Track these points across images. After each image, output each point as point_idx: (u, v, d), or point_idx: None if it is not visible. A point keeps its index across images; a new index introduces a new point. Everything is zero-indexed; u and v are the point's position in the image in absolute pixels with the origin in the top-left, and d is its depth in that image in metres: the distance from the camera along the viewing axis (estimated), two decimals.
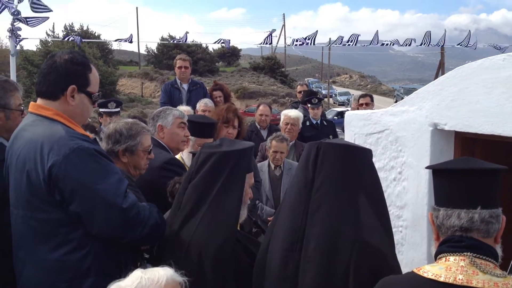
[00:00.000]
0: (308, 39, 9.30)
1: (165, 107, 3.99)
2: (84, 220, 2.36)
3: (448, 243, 1.74)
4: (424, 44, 9.41)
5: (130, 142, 2.95)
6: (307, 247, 2.08)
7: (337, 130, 7.90)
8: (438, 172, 1.82)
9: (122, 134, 2.93)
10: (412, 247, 3.39)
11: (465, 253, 1.68)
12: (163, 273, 1.93)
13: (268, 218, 4.95)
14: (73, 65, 2.52)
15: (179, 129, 3.84)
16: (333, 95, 58.40)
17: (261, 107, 7.08)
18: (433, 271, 1.69)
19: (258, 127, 6.95)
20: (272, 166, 5.37)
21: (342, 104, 51.63)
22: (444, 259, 1.72)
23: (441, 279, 1.65)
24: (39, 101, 2.55)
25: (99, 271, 2.43)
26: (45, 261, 2.40)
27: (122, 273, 1.99)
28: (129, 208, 2.41)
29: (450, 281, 1.63)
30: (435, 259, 1.79)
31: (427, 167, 1.94)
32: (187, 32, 8.68)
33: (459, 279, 1.63)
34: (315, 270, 2.04)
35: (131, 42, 8.69)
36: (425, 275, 1.70)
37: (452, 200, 1.73)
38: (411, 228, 3.40)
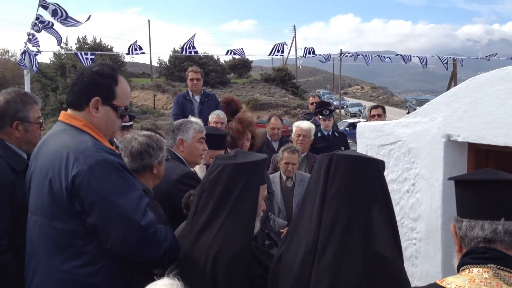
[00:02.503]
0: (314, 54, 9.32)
1: (185, 120, 3.97)
2: (100, 233, 2.34)
3: (471, 255, 1.72)
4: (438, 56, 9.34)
5: (161, 153, 3.01)
6: (320, 259, 2.07)
7: (349, 141, 7.88)
8: (461, 183, 1.81)
9: (153, 148, 2.97)
10: (427, 259, 3.35)
11: (489, 265, 1.66)
12: None
13: (281, 230, 4.94)
14: (99, 77, 2.53)
15: (198, 143, 3.84)
16: (345, 106, 58.31)
17: (272, 120, 7.08)
18: (456, 282, 1.68)
19: (270, 138, 6.96)
20: (284, 177, 5.37)
21: (354, 115, 51.54)
22: (467, 270, 1.71)
23: None
24: (69, 111, 2.57)
25: (110, 287, 2.42)
26: (56, 271, 2.39)
27: None
28: (146, 226, 2.39)
29: None
30: (458, 271, 1.77)
31: (449, 179, 1.92)
32: (193, 45, 8.69)
33: None
34: (328, 283, 2.03)
35: (143, 53, 8.73)
36: (448, 286, 1.68)
37: (476, 212, 1.72)
38: (425, 240, 3.37)
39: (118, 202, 2.33)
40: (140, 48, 8.70)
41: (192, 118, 5.30)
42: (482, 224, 1.70)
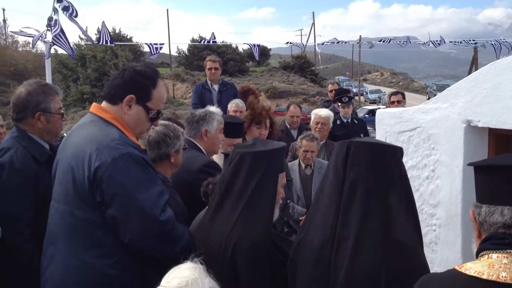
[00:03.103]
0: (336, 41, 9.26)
1: (208, 111, 3.97)
2: (118, 226, 2.36)
3: (490, 241, 1.72)
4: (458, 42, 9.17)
5: (178, 142, 3.05)
6: (339, 246, 2.09)
7: (368, 128, 7.83)
8: (481, 169, 1.79)
9: (170, 136, 3.01)
10: (447, 245, 3.34)
11: (508, 250, 1.66)
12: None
13: (300, 218, 4.97)
14: (140, 76, 2.57)
15: (220, 134, 3.88)
16: (364, 93, 57.77)
17: (291, 108, 7.07)
18: (475, 268, 1.68)
19: (289, 127, 6.96)
20: (303, 165, 5.37)
21: (373, 102, 51.04)
22: (486, 256, 1.70)
23: (484, 277, 1.63)
24: (103, 103, 2.61)
25: (124, 282, 2.45)
26: (73, 259, 2.42)
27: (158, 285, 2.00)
28: (165, 221, 2.41)
29: (493, 278, 1.62)
30: (477, 257, 1.77)
31: (469, 164, 1.90)
32: (213, 35, 8.74)
33: (503, 276, 1.61)
34: (346, 269, 2.05)
35: (162, 46, 8.81)
36: (467, 272, 1.68)
37: (495, 197, 1.72)
38: (445, 226, 3.36)
39: (138, 196, 2.36)
40: (161, 47, 8.76)
41: (211, 107, 5.34)
42: (502, 209, 1.69)
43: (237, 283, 2.35)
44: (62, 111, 3.24)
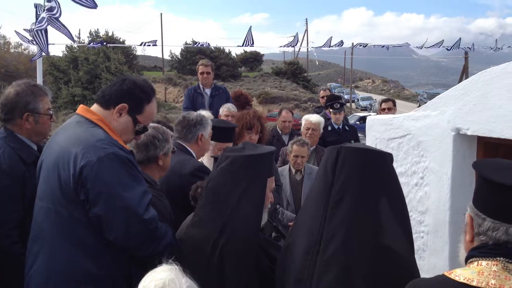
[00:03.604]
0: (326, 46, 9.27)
1: (202, 115, 3.96)
2: (103, 225, 2.39)
3: (481, 249, 1.72)
4: (453, 48, 9.21)
5: (167, 145, 3.05)
6: (325, 250, 2.08)
7: (359, 135, 7.86)
8: (493, 184, 1.73)
9: (159, 139, 3.00)
10: (434, 253, 3.36)
11: (498, 258, 1.67)
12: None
13: (289, 224, 4.97)
14: (137, 89, 2.64)
15: (209, 138, 3.89)
16: (355, 100, 58.02)
17: (283, 113, 7.09)
18: (465, 275, 1.68)
19: (280, 132, 6.97)
20: (293, 170, 5.38)
21: (364, 109, 51.26)
22: (476, 263, 1.71)
23: (474, 284, 1.64)
24: (93, 106, 2.66)
25: (108, 280, 2.46)
26: (58, 257, 2.44)
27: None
28: (149, 220, 2.45)
29: (483, 285, 1.63)
30: (466, 263, 1.78)
31: (480, 175, 1.78)
32: (208, 43, 8.78)
33: (492, 283, 1.62)
34: (332, 274, 2.04)
35: (155, 45, 8.79)
36: (456, 278, 1.69)
37: (502, 214, 1.69)
38: (433, 233, 3.37)
39: (123, 195, 2.39)
40: (154, 44, 8.75)
41: (203, 112, 5.33)
42: (507, 228, 1.67)
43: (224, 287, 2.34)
44: (51, 112, 3.23)
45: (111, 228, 2.39)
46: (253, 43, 8.61)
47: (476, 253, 1.73)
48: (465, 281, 1.66)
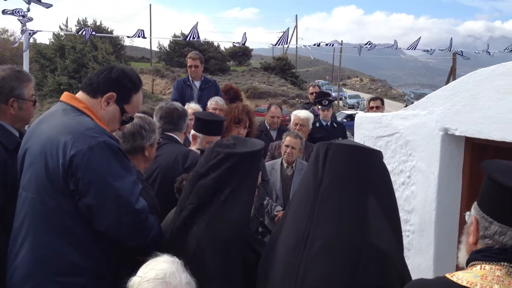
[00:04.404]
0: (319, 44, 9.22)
1: (180, 105, 4.03)
2: (94, 214, 2.35)
3: (485, 253, 1.70)
4: (446, 49, 9.19)
5: (153, 135, 3.03)
6: (311, 247, 2.07)
7: (346, 133, 7.87)
8: (505, 189, 1.67)
9: (146, 129, 2.98)
10: (419, 252, 3.37)
11: (502, 263, 1.65)
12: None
13: (275, 213, 4.98)
14: (125, 78, 2.60)
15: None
16: (343, 98, 58.25)
17: (272, 109, 7.07)
18: (467, 278, 1.66)
19: (268, 127, 6.95)
20: (285, 165, 5.37)
21: (351, 107, 51.54)
22: (479, 267, 1.69)
23: None
24: (79, 94, 2.60)
25: (95, 273, 2.43)
26: (43, 248, 2.39)
27: (118, 280, 1.99)
28: (140, 210, 2.42)
29: None
30: (467, 266, 1.76)
31: (491, 178, 1.73)
32: (198, 34, 8.63)
33: None
34: (318, 270, 2.03)
35: (144, 37, 8.65)
36: (459, 282, 1.67)
37: (511, 219, 1.67)
38: (418, 233, 3.39)
39: (114, 184, 2.35)
40: (144, 37, 8.64)
41: (192, 104, 5.28)
42: None
43: (209, 281, 2.32)
44: (35, 98, 3.18)
45: (102, 218, 2.35)
46: (199, 37, 8.49)
47: (479, 256, 1.71)
48: (468, 285, 1.64)
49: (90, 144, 2.33)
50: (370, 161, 2.19)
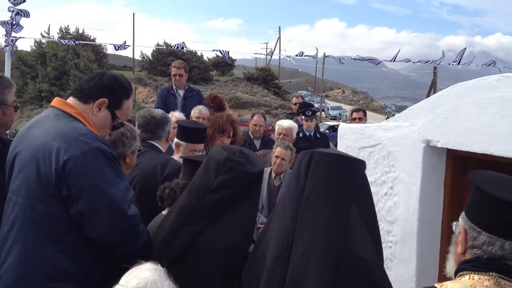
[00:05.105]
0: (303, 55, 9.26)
1: (164, 112, 4.00)
2: (86, 221, 2.33)
3: (473, 263, 1.71)
4: (434, 63, 9.30)
5: (135, 143, 3.01)
6: (295, 256, 2.06)
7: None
8: (493, 199, 1.68)
9: (127, 136, 2.96)
10: (401, 263, 3.39)
11: (491, 273, 1.66)
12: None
13: (259, 225, 4.96)
14: (117, 84, 2.62)
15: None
16: (325, 109, 58.67)
17: (255, 117, 7.07)
18: None
19: (252, 136, 6.96)
20: (273, 175, 5.36)
21: (334, 118, 51.90)
22: (467, 276, 1.70)
23: None
24: (69, 99, 2.59)
25: (84, 279, 2.40)
26: (32, 254, 2.36)
27: (106, 286, 1.96)
28: (132, 216, 2.42)
29: None
30: (455, 276, 1.77)
31: (480, 189, 1.73)
32: (184, 43, 8.63)
33: None
34: (302, 278, 2.03)
35: (125, 48, 8.59)
36: None
37: (499, 229, 1.67)
38: (401, 244, 3.41)
39: (108, 190, 2.35)
40: (125, 48, 8.59)
41: (175, 113, 5.27)
42: (503, 243, 1.66)
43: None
44: (16, 104, 3.16)
45: (94, 224, 2.34)
46: (126, 47, 8.56)
47: (468, 266, 1.72)
48: None
49: (83, 150, 2.32)
50: (353, 170, 2.20)
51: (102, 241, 2.40)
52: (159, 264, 1.94)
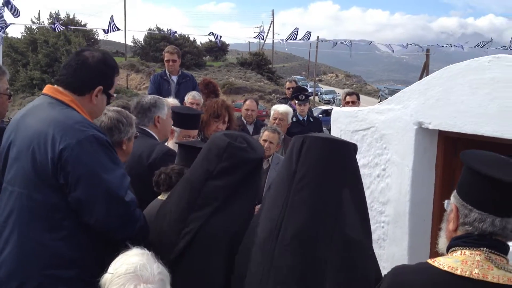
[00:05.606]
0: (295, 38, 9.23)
1: (156, 97, 3.97)
2: (84, 208, 2.36)
3: (465, 239, 1.75)
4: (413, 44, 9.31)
5: (131, 129, 3.01)
6: (284, 236, 2.11)
7: (323, 128, 7.94)
8: (483, 177, 1.71)
9: (123, 123, 2.96)
10: (393, 242, 3.45)
11: (481, 248, 1.70)
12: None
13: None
14: (105, 66, 2.61)
15: (169, 119, 3.89)
16: (319, 93, 58.60)
17: (247, 102, 7.07)
18: (448, 263, 1.72)
19: (245, 122, 6.96)
20: None
21: (327, 102, 51.87)
22: (459, 252, 1.74)
23: (458, 272, 1.68)
24: (59, 88, 2.56)
25: (83, 264, 2.43)
26: (30, 241, 2.38)
27: (104, 271, 1.98)
28: (129, 202, 2.45)
29: (467, 274, 1.67)
30: (447, 252, 1.82)
31: (469, 167, 1.78)
32: (171, 31, 8.59)
33: (475, 273, 1.66)
34: (290, 259, 2.07)
35: (118, 29, 8.51)
36: (440, 267, 1.72)
37: (489, 206, 1.71)
38: (393, 224, 3.47)
39: (105, 177, 2.37)
40: (118, 28, 8.51)
41: (169, 99, 5.28)
42: (493, 219, 1.70)
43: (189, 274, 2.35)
44: (9, 92, 3.15)
45: (92, 211, 2.36)
46: (118, 29, 8.39)
47: (459, 242, 1.76)
48: (449, 270, 1.70)
49: (78, 138, 2.33)
50: (344, 154, 2.25)
51: (100, 227, 2.42)
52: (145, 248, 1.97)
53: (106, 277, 1.88)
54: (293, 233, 2.09)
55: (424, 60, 27.12)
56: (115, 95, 2.73)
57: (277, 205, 2.19)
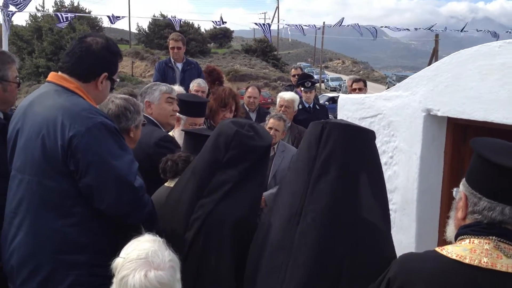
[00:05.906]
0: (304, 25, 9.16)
1: (152, 83, 3.99)
2: (95, 194, 2.40)
3: (474, 227, 1.74)
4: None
5: (138, 117, 3.02)
6: (304, 221, 2.12)
7: (329, 115, 7.89)
8: (494, 165, 1.69)
9: (131, 111, 2.96)
10: (401, 230, 3.43)
11: (490, 237, 1.69)
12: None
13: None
14: (109, 53, 2.64)
15: (166, 104, 3.84)
16: (325, 80, 58.34)
17: (249, 89, 7.01)
18: (457, 251, 1.71)
19: (247, 109, 6.92)
20: None
21: (333, 89, 51.65)
22: (468, 240, 1.73)
23: (466, 261, 1.67)
24: (64, 75, 2.58)
25: (95, 249, 2.46)
26: (43, 229, 2.42)
27: (116, 256, 1.99)
28: (138, 188, 2.49)
29: (475, 263, 1.66)
30: (455, 240, 1.80)
31: (479, 155, 1.76)
32: (175, 19, 8.57)
33: (484, 261, 1.65)
34: (310, 244, 2.08)
35: (123, 17, 8.50)
36: (448, 255, 1.71)
37: (499, 194, 1.69)
38: (401, 211, 3.44)
39: (114, 164, 2.41)
40: (118, 17, 8.49)
41: (175, 87, 5.26)
42: (503, 208, 1.69)
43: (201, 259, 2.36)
44: (18, 80, 3.14)
45: (102, 197, 2.40)
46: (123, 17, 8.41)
47: (468, 230, 1.75)
48: (457, 258, 1.69)
49: (87, 126, 2.37)
50: (364, 140, 2.26)
51: (111, 213, 2.47)
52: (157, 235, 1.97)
53: (118, 261, 1.90)
54: (314, 217, 2.11)
55: (433, 46, 26.86)
56: (118, 79, 2.77)
57: (297, 191, 2.20)
